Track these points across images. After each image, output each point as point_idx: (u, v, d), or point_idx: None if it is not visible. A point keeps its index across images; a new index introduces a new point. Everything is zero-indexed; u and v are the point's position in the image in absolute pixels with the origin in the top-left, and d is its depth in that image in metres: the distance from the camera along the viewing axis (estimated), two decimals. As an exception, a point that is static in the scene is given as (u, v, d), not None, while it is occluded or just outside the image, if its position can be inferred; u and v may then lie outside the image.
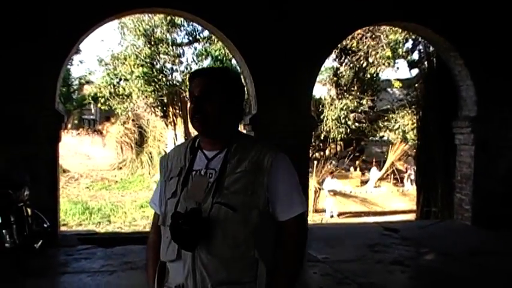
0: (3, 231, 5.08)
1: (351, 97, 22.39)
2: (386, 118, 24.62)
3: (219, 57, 20.53)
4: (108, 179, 23.76)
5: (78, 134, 27.77)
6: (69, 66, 26.57)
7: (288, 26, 7.96)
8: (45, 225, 6.28)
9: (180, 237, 2.01)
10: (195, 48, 20.90)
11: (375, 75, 22.53)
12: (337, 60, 21.52)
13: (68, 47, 7.40)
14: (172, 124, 19.65)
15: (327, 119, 22.17)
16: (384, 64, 19.97)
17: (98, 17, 7.45)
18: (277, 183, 2.10)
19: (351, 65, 21.34)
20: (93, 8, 7.29)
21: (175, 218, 2.02)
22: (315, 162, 20.80)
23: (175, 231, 2.01)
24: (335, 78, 22.41)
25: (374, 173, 23.51)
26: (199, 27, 19.27)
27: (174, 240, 2.05)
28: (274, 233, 2.13)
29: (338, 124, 22.27)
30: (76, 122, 32.22)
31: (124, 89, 19.05)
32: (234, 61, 20.21)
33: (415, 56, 21.10)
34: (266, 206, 2.08)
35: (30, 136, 7.12)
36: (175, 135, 19.50)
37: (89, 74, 25.44)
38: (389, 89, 25.70)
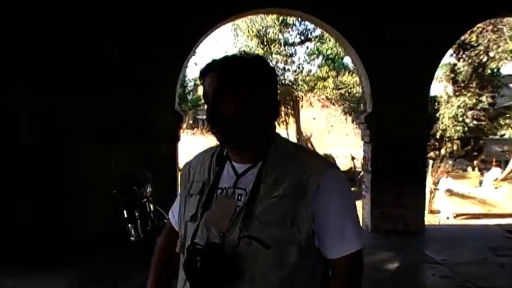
0: (129, 225, 5.33)
1: (469, 94, 21.34)
2: (508, 115, 23.23)
3: (331, 56, 20.37)
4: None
5: (193, 133, 28.70)
6: (185, 68, 27.60)
7: (404, 23, 7.74)
8: (165, 221, 6.52)
9: (195, 279, 1.58)
10: (307, 48, 20.90)
11: (495, 70, 21.31)
12: (454, 55, 20.60)
13: (187, 50, 7.68)
14: (284, 123, 19.77)
15: (443, 117, 21.29)
16: (506, 58, 18.83)
17: (215, 19, 7.66)
18: (325, 212, 1.60)
19: (470, 61, 20.33)
20: (211, 11, 7.51)
21: (191, 254, 1.60)
22: (430, 161, 20.05)
23: (190, 270, 1.59)
24: (452, 75, 21.45)
25: (494, 173, 22.23)
26: (311, 27, 19.27)
27: (188, 280, 1.62)
28: (320, 274, 1.66)
29: (455, 122, 21.31)
30: (191, 122, 33.36)
31: (237, 89, 19.42)
32: (346, 59, 20.00)
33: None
34: (309, 239, 1.60)
35: (152, 135, 7.49)
36: (287, 134, 19.60)
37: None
38: (511, 85, 24.25)
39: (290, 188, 1.59)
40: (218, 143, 1.72)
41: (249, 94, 1.62)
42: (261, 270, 1.57)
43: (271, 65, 1.75)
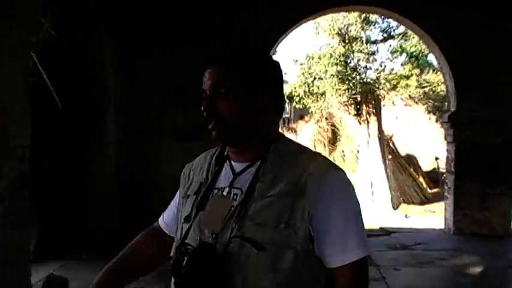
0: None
1: None
2: None
3: (415, 54, 19.89)
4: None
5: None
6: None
7: (489, 19, 7.46)
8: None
9: (182, 282, 1.46)
10: (390, 45, 20.52)
11: None
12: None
13: (268, 49, 7.78)
14: (366, 122, 19.51)
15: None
16: None
17: (296, 18, 7.72)
18: (325, 216, 1.47)
19: None
20: (292, 9, 7.58)
21: (179, 254, 1.50)
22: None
23: (176, 271, 1.48)
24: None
25: None
26: (394, 24, 18.89)
27: (174, 284, 1.51)
28: (324, 284, 1.53)
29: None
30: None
31: (318, 88, 19.39)
32: (431, 57, 19.46)
33: None
34: (307, 244, 1.47)
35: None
36: (368, 134, 19.35)
37: (284, 74, 26.35)
38: None
39: (287, 187, 1.48)
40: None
41: (249, 93, 1.54)
42: (254, 274, 1.46)
43: (276, 62, 1.66)
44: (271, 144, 1.58)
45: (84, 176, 7.50)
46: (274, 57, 1.79)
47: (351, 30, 19.25)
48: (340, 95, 19.30)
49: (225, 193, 1.58)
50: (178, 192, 1.83)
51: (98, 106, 7.53)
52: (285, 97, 1.72)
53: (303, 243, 1.46)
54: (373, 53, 19.69)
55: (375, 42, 20.03)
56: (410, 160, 19.70)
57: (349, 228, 1.49)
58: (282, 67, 1.67)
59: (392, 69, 20.05)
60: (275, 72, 1.64)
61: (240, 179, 1.58)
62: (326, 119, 24.63)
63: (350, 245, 1.47)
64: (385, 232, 9.00)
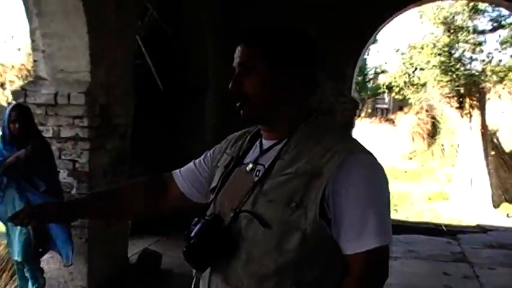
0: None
1: None
2: None
3: (526, 45, 18.77)
4: (397, 168, 23.87)
5: (371, 122, 28.42)
6: (365, 56, 27.37)
7: None
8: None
9: (187, 251, 1.48)
10: (499, 36, 19.49)
11: None
12: None
13: (366, 36, 7.66)
14: (468, 116, 18.73)
15: None
16: None
17: (398, 5, 7.53)
18: (344, 198, 1.39)
19: None
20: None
21: (192, 224, 1.52)
22: None
23: (186, 240, 1.49)
24: None
25: None
26: (506, 12, 17.90)
27: (183, 251, 1.50)
28: (340, 272, 1.43)
29: None
30: (369, 110, 33.03)
31: (419, 79, 18.84)
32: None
33: None
34: (320, 228, 1.39)
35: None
36: (470, 128, 18.57)
37: (385, 63, 25.87)
38: None
39: (306, 166, 1.42)
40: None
41: (277, 73, 1.51)
42: (259, 252, 1.42)
43: (312, 43, 1.58)
44: (299, 123, 1.54)
45: (181, 157, 7.72)
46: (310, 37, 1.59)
47: (457, 20, 18.48)
48: (442, 87, 18.63)
49: (248, 168, 1.56)
50: (205, 155, 1.82)
51: (196, 89, 7.74)
52: (317, 79, 1.59)
53: (313, 226, 1.38)
54: (480, 44, 18.80)
55: (482, 32, 19.10)
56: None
57: (369, 215, 1.38)
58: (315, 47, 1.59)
59: (501, 61, 19.02)
60: (308, 53, 1.57)
61: (265, 156, 1.55)
62: (426, 111, 23.90)
63: (367, 232, 1.38)
64: (481, 229, 8.64)
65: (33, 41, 4.64)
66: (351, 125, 7.81)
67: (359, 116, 8.58)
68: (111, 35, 4.76)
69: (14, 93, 4.87)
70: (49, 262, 4.59)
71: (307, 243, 1.39)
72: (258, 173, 1.52)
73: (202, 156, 1.82)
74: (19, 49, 25.71)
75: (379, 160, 1.50)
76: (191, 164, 1.85)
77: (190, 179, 1.81)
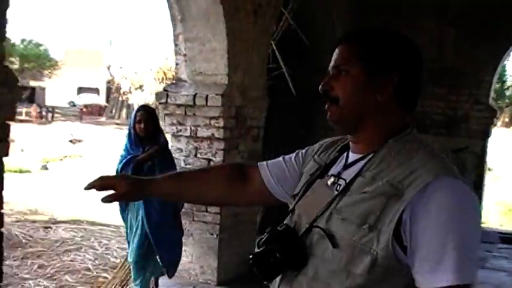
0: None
1: None
2: None
3: None
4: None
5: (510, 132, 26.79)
6: (505, 62, 25.86)
7: None
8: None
9: (255, 258, 1.42)
10: None
11: None
12: None
13: (508, 43, 7.25)
14: None
15: None
16: None
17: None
18: (424, 224, 1.24)
19: None
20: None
21: (268, 231, 1.46)
22: None
23: (258, 247, 1.44)
24: None
25: None
26: None
27: (251, 258, 1.44)
28: None
29: None
30: (507, 119, 31.12)
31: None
32: None
33: None
34: (392, 254, 1.27)
35: (461, 130, 7.32)
36: None
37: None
38: None
39: (386, 186, 1.30)
40: None
41: (368, 77, 1.39)
42: (326, 271, 1.35)
43: (414, 48, 1.44)
44: (388, 139, 1.40)
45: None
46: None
47: None
48: None
49: (329, 182, 1.47)
50: (297, 153, 1.72)
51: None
52: (419, 90, 1.45)
53: (385, 252, 1.27)
54: None
55: None
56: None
57: (448, 247, 1.22)
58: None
59: None
60: (409, 59, 1.43)
61: (348, 171, 1.45)
62: None
63: (444, 267, 1.22)
64: None
65: (176, 45, 4.91)
66: (487, 134, 7.43)
67: (495, 124, 8.11)
68: (248, 38, 4.92)
69: (157, 95, 5.17)
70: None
71: (377, 270, 1.28)
72: (338, 188, 1.43)
73: (294, 154, 1.72)
74: (157, 54, 27.29)
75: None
76: (280, 159, 1.74)
77: (278, 175, 1.70)
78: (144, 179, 1.73)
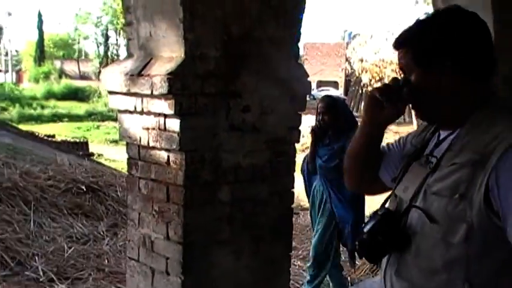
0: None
1: None
2: None
3: None
4: None
5: None
6: None
7: None
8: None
9: (359, 244, 1.55)
10: None
11: None
12: None
13: None
14: None
15: None
16: None
17: None
18: (507, 189, 1.27)
19: None
20: None
21: (370, 216, 1.57)
22: None
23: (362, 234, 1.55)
24: None
25: None
26: None
27: (356, 245, 1.58)
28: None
29: None
30: None
31: None
32: None
33: None
34: (488, 219, 1.30)
35: None
36: None
37: None
38: None
39: (472, 155, 1.35)
40: None
41: (426, 73, 1.47)
42: (427, 246, 1.42)
43: (463, 19, 1.46)
44: (475, 111, 1.45)
45: None
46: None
47: None
48: None
49: (423, 161, 1.54)
50: (399, 139, 1.77)
51: None
52: (484, 59, 1.45)
53: (479, 218, 1.31)
54: None
55: None
56: None
57: None
58: (474, 20, 1.46)
59: None
60: (457, 37, 1.44)
61: (439, 148, 1.51)
62: None
63: None
64: None
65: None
66: None
67: None
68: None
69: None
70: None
71: (475, 237, 1.33)
72: (430, 166, 1.49)
73: (397, 140, 1.78)
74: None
75: None
76: (384, 145, 1.79)
77: (384, 162, 1.75)
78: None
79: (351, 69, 36.55)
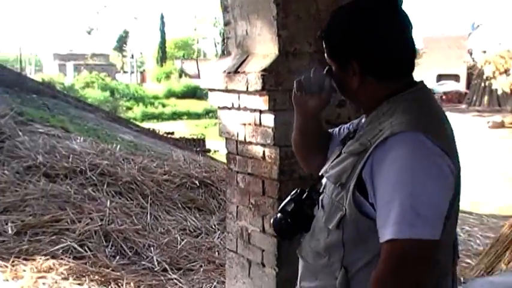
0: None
1: None
2: None
3: None
4: None
5: None
6: None
7: None
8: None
9: (273, 222, 1.68)
10: None
11: None
12: None
13: None
14: None
15: None
16: None
17: None
18: (378, 181, 1.30)
19: None
20: None
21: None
22: None
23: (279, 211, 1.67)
24: None
25: None
26: None
27: (272, 221, 1.70)
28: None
29: None
30: None
31: None
32: None
33: None
34: (358, 210, 1.35)
35: None
36: None
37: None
38: None
39: (358, 146, 1.39)
40: None
41: (339, 67, 1.50)
42: (317, 228, 1.51)
43: (372, 22, 1.41)
44: (383, 102, 1.43)
45: None
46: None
47: None
48: None
49: (338, 148, 1.57)
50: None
51: None
52: (399, 55, 1.43)
53: (350, 208, 1.37)
54: None
55: None
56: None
57: (394, 202, 1.26)
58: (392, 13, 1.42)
59: None
60: (365, 32, 1.42)
61: (357, 135, 1.51)
62: None
63: (389, 221, 1.26)
64: None
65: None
66: None
67: None
68: None
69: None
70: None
71: (348, 226, 1.38)
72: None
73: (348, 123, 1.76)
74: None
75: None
76: (336, 129, 1.78)
77: (332, 144, 1.73)
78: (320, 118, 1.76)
79: (473, 61, 34.81)
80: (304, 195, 1.62)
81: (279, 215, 1.65)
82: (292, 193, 1.66)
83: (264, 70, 2.53)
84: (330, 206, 1.45)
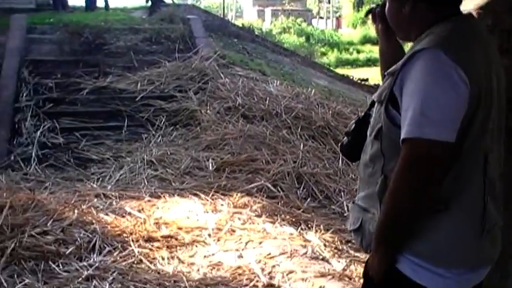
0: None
1: None
2: None
3: None
4: None
5: None
6: None
7: None
8: None
9: (340, 145, 1.90)
10: None
11: None
12: None
13: None
14: None
15: None
16: None
17: None
18: (404, 92, 1.50)
19: None
20: None
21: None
22: None
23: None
24: None
25: None
26: None
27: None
28: None
29: None
30: None
31: None
32: None
33: None
34: (390, 122, 1.54)
35: None
36: None
37: None
38: None
39: (396, 67, 1.54)
40: None
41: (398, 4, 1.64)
42: (367, 142, 1.67)
43: None
44: (425, 31, 1.59)
45: None
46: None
47: None
48: None
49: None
50: None
51: None
52: None
53: (385, 121, 1.56)
54: None
55: None
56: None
57: (409, 109, 1.46)
58: None
59: None
60: None
61: None
62: None
63: (405, 125, 1.46)
64: None
65: None
66: None
67: None
68: None
69: None
70: None
71: (384, 137, 1.57)
72: None
73: None
74: None
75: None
76: None
77: None
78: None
79: None
80: (362, 117, 1.80)
81: (344, 138, 1.86)
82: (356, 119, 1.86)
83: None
84: (373, 120, 1.64)
